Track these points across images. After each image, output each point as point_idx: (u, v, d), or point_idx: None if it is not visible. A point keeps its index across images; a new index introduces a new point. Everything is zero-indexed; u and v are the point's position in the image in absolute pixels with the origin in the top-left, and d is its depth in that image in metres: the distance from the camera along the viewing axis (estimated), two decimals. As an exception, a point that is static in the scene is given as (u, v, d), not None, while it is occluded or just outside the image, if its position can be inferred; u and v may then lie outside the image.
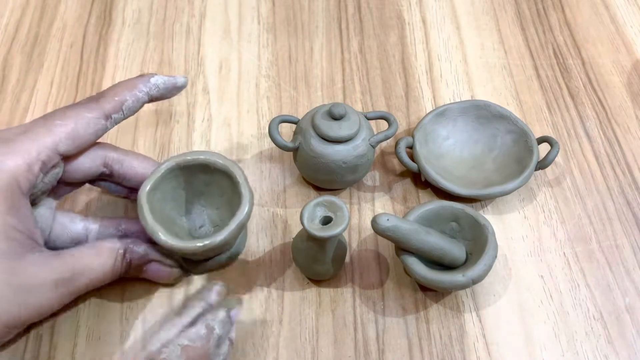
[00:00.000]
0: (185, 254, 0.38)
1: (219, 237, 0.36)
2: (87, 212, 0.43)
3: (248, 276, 0.41)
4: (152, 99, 0.39)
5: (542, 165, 0.44)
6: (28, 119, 0.48)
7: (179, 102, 0.50)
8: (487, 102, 0.47)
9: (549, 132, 0.50)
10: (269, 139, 0.43)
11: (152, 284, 0.40)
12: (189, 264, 0.41)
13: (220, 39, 0.55)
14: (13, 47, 0.53)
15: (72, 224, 0.38)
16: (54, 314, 0.39)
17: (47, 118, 0.35)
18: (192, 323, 0.34)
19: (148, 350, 0.32)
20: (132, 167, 0.38)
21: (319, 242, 0.37)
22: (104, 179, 0.39)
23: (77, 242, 0.38)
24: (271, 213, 0.44)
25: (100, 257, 0.35)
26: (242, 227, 0.37)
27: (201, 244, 0.36)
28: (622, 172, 0.47)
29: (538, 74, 0.54)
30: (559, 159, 0.48)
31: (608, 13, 0.58)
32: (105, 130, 0.37)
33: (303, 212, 0.36)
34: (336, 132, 0.41)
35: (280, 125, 0.43)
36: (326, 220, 0.37)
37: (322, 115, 0.41)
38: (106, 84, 0.51)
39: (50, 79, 0.51)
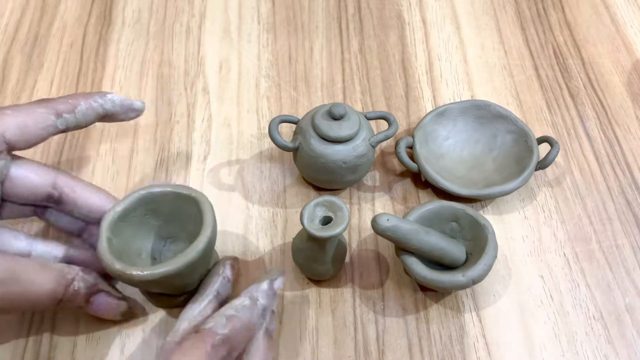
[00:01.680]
0: (132, 282, 0.34)
1: (160, 269, 0.33)
2: (33, 233, 0.41)
3: (248, 276, 0.41)
4: (106, 114, 0.38)
5: (542, 165, 0.44)
6: (28, 119, 0.48)
7: (179, 101, 0.50)
8: (487, 102, 0.47)
9: (549, 132, 0.50)
10: (269, 139, 0.43)
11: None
12: (154, 296, 0.39)
13: (220, 39, 0.55)
14: (13, 47, 0.53)
15: (16, 241, 0.36)
16: (54, 314, 0.39)
17: None
18: (216, 298, 0.35)
19: (183, 326, 0.33)
20: (84, 196, 0.36)
21: (319, 242, 0.37)
22: (50, 205, 0.37)
23: None
24: (271, 213, 0.44)
25: (44, 274, 0.33)
26: (196, 263, 0.34)
27: (138, 272, 0.33)
28: (622, 172, 0.47)
29: (538, 74, 0.54)
30: (559, 159, 0.48)
31: (608, 13, 0.58)
32: (55, 128, 0.36)
33: (303, 212, 0.36)
34: (336, 132, 0.41)
35: (280, 125, 0.43)
36: (326, 220, 0.37)
37: (322, 115, 0.41)
38: (106, 84, 0.51)
39: (50, 79, 0.51)
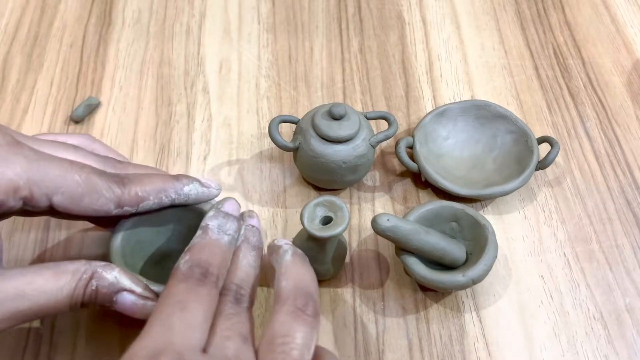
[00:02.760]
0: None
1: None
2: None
3: (248, 276, 0.41)
4: (173, 205, 0.35)
5: (542, 165, 0.44)
6: (28, 119, 0.49)
7: (179, 101, 0.50)
8: (487, 102, 0.47)
9: (549, 132, 0.50)
10: (269, 139, 0.43)
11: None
12: None
13: (220, 39, 0.55)
14: (13, 47, 0.53)
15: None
16: (54, 315, 0.39)
17: (71, 164, 0.31)
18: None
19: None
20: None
21: (319, 242, 0.37)
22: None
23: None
24: (271, 213, 0.44)
25: (57, 280, 0.30)
26: None
27: (157, 289, 0.32)
28: (623, 172, 0.47)
29: (538, 74, 0.54)
30: (559, 159, 0.48)
31: (608, 13, 0.58)
32: (108, 214, 0.32)
33: (303, 212, 0.36)
34: (336, 132, 0.41)
35: (280, 125, 0.43)
36: (326, 220, 0.37)
37: (322, 115, 0.41)
38: (106, 84, 0.51)
39: (50, 79, 0.51)
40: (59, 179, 0.30)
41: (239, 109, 0.50)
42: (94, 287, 0.31)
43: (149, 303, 0.32)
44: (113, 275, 0.31)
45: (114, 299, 0.31)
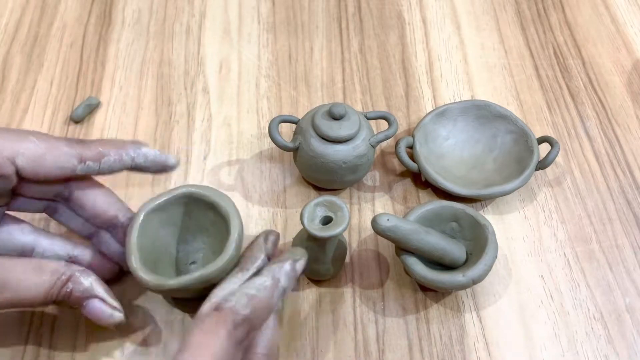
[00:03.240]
0: (159, 290, 0.35)
1: (196, 275, 0.34)
2: (41, 226, 0.41)
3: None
4: (135, 166, 0.36)
5: (542, 165, 0.44)
6: (28, 119, 0.49)
7: (179, 101, 0.50)
8: (487, 102, 0.47)
9: (549, 132, 0.50)
10: (269, 139, 0.43)
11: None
12: (178, 301, 0.39)
13: (220, 39, 0.55)
14: (13, 47, 0.53)
15: (21, 234, 0.35)
16: (54, 314, 0.39)
17: (26, 131, 0.34)
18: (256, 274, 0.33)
19: (212, 300, 0.31)
20: (92, 197, 0.36)
21: (319, 242, 0.37)
22: (58, 200, 0.36)
23: (22, 254, 0.35)
24: (271, 213, 0.44)
25: (37, 276, 0.32)
26: (227, 269, 0.35)
27: (172, 282, 0.34)
28: (623, 172, 0.47)
29: (538, 74, 0.54)
30: (559, 159, 0.48)
31: (608, 13, 0.58)
32: (73, 172, 0.34)
33: (303, 212, 0.36)
34: (336, 132, 0.41)
35: (280, 125, 0.43)
36: (326, 220, 0.37)
37: (322, 115, 0.41)
38: (106, 84, 0.51)
39: (50, 79, 0.51)
40: (17, 142, 0.32)
41: (239, 109, 0.50)
42: (69, 289, 0.33)
43: (117, 314, 0.34)
44: (89, 282, 0.33)
45: (84, 303, 0.33)
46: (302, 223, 0.35)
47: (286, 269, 0.33)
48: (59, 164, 0.33)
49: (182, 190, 0.38)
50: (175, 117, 0.49)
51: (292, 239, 0.41)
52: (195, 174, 0.46)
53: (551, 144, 0.45)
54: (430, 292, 0.41)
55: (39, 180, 0.34)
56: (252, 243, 0.36)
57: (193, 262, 0.40)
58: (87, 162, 0.34)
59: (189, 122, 0.49)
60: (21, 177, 0.33)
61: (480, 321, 0.40)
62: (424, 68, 0.53)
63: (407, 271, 0.39)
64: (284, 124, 0.47)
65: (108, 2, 0.57)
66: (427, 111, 0.49)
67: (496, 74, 0.53)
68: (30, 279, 0.32)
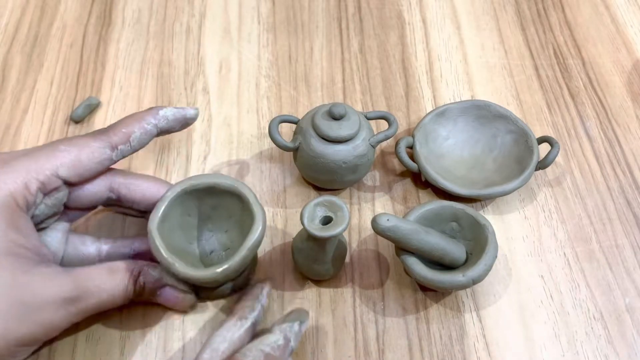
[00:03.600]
0: (203, 282, 0.36)
1: (236, 258, 0.35)
2: (100, 233, 0.42)
3: (248, 276, 0.41)
4: (161, 132, 0.39)
5: (542, 165, 0.44)
6: (28, 119, 0.49)
7: (179, 101, 0.50)
8: (487, 102, 0.47)
9: (549, 132, 0.50)
10: (269, 139, 0.43)
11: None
12: (200, 291, 0.39)
13: (220, 39, 0.55)
14: (13, 47, 0.53)
15: (84, 246, 0.38)
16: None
17: (53, 143, 0.35)
18: (253, 325, 0.35)
19: (220, 350, 0.32)
20: (139, 190, 0.37)
21: (319, 242, 0.37)
22: (112, 204, 0.39)
23: (89, 264, 0.37)
24: (271, 213, 0.44)
25: (112, 278, 0.34)
26: (258, 246, 0.36)
27: (220, 270, 0.35)
28: (623, 172, 0.47)
29: (538, 74, 0.54)
30: (559, 159, 0.48)
31: (608, 13, 0.58)
32: (111, 161, 0.36)
33: (303, 212, 0.36)
34: (336, 132, 0.41)
35: (280, 125, 0.43)
36: (326, 220, 0.37)
37: (322, 115, 0.41)
38: (106, 84, 0.51)
39: (50, 79, 0.51)
40: (51, 157, 0.34)
41: (239, 109, 0.50)
42: (142, 283, 0.36)
43: (188, 296, 0.38)
44: (157, 272, 0.36)
45: (159, 292, 0.37)
46: (302, 223, 0.35)
47: (295, 329, 0.35)
48: (95, 159, 0.35)
49: (204, 180, 0.38)
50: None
51: (292, 239, 0.41)
52: (195, 174, 0.46)
53: (551, 144, 0.45)
54: (430, 292, 0.41)
55: (85, 180, 0.36)
56: (247, 292, 0.37)
57: (212, 251, 0.40)
58: (119, 147, 0.36)
59: (189, 122, 0.49)
60: (70, 185, 0.35)
61: (480, 321, 0.40)
62: (424, 68, 0.53)
63: (407, 271, 0.39)
64: (284, 124, 0.47)
65: (108, 2, 0.57)
66: (427, 111, 0.49)
67: (496, 74, 0.53)
68: (108, 282, 0.34)
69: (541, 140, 0.45)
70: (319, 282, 0.41)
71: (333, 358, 0.38)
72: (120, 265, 0.35)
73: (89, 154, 0.35)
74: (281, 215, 0.44)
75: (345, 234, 0.43)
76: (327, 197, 0.37)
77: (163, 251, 0.35)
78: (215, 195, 0.39)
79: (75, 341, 0.38)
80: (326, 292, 0.41)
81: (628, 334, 0.40)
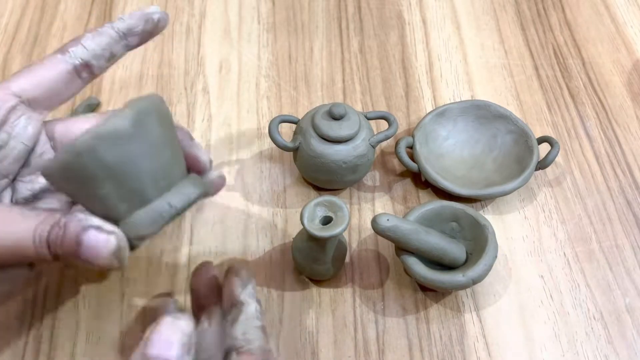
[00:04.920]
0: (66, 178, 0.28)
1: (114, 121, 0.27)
2: None
3: (248, 276, 0.41)
4: (124, 34, 0.34)
5: (542, 165, 0.44)
6: (28, 119, 0.48)
7: (179, 101, 0.50)
8: (487, 102, 0.47)
9: (549, 132, 0.50)
10: (269, 139, 0.43)
11: (152, 285, 0.40)
12: (135, 242, 0.30)
13: (220, 39, 0.55)
14: (13, 47, 0.53)
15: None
16: (54, 314, 0.39)
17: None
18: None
19: (227, 343, 0.31)
20: (77, 128, 0.34)
21: (319, 242, 0.37)
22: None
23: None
24: (271, 213, 0.44)
25: (26, 217, 0.28)
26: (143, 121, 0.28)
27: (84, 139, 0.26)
28: (623, 172, 0.47)
29: (538, 74, 0.54)
30: (559, 159, 0.48)
31: (608, 13, 0.58)
32: (65, 63, 0.32)
33: (303, 212, 0.36)
34: (336, 132, 0.41)
35: (280, 125, 0.43)
36: (326, 220, 0.37)
37: (322, 115, 0.41)
38: (105, 84, 0.51)
39: (50, 79, 0.51)
40: (9, 84, 0.31)
41: (239, 109, 0.50)
42: (61, 224, 0.28)
43: (112, 238, 0.28)
44: (83, 214, 0.28)
45: (81, 238, 0.27)
46: (302, 223, 0.35)
47: (251, 289, 0.33)
48: (46, 66, 0.32)
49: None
50: (175, 117, 0.49)
51: (292, 239, 0.41)
52: (195, 174, 0.46)
53: (551, 144, 0.45)
54: (430, 292, 0.41)
55: (52, 99, 0.33)
56: (226, 285, 0.34)
57: None
58: (70, 50, 0.33)
59: (189, 122, 0.49)
60: (36, 105, 0.32)
61: (480, 321, 0.40)
62: (424, 68, 0.53)
63: (407, 271, 0.39)
64: (284, 124, 0.47)
65: (108, 2, 0.57)
66: (427, 111, 0.49)
67: (496, 74, 0.53)
68: (18, 218, 0.28)
69: (541, 140, 0.45)
70: (319, 282, 0.41)
71: (333, 358, 0.38)
72: (38, 211, 0.29)
73: (40, 63, 0.32)
74: (281, 215, 0.44)
75: (345, 234, 0.43)
76: (327, 197, 0.37)
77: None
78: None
79: (75, 341, 0.38)
80: (326, 292, 0.41)
81: (628, 334, 0.40)
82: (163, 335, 0.26)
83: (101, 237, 0.27)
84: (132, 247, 0.29)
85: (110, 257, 0.28)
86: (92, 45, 0.33)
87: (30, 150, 0.33)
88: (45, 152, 0.33)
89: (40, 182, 0.33)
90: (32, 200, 0.33)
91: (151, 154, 0.28)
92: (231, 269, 0.34)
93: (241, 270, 0.34)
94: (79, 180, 0.28)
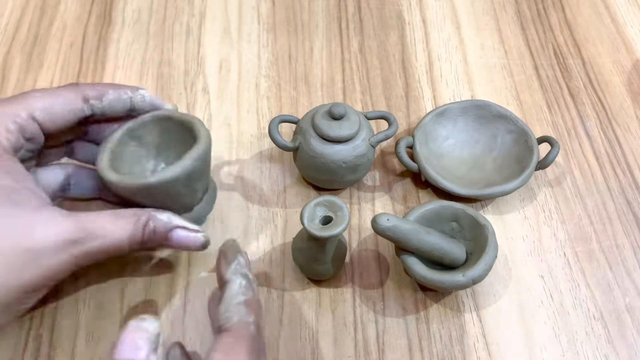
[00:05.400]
0: (135, 192, 0.35)
1: (174, 169, 0.35)
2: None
3: (248, 276, 0.41)
4: (134, 109, 0.39)
5: (542, 165, 0.44)
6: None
7: (179, 101, 0.50)
8: (487, 102, 0.47)
9: (549, 132, 0.50)
10: (269, 139, 0.43)
11: (152, 285, 0.40)
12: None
13: (220, 39, 0.55)
14: (13, 47, 0.53)
15: (52, 175, 0.38)
16: (54, 314, 0.39)
17: (25, 92, 0.35)
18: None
19: (214, 326, 0.32)
20: (111, 104, 0.38)
21: (319, 242, 0.37)
22: (84, 123, 0.38)
23: (63, 191, 0.39)
24: (271, 213, 0.44)
25: (118, 221, 0.34)
26: (202, 158, 0.36)
27: (154, 179, 0.34)
28: (623, 172, 0.47)
29: (538, 74, 0.54)
30: (559, 158, 0.48)
31: (608, 13, 0.58)
32: (82, 112, 0.36)
33: (303, 212, 0.36)
34: (336, 132, 0.41)
35: (280, 125, 0.43)
36: (326, 220, 0.37)
37: (322, 115, 0.41)
38: (106, 84, 0.51)
39: (50, 79, 0.51)
40: (26, 102, 0.35)
41: (239, 109, 0.50)
42: (152, 227, 0.35)
43: (199, 235, 0.37)
44: (166, 216, 0.36)
45: (169, 235, 0.36)
46: (302, 223, 0.35)
47: (242, 262, 0.34)
48: (67, 107, 0.35)
49: (158, 113, 0.39)
50: (175, 117, 0.49)
51: (292, 239, 0.41)
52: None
53: (551, 144, 0.45)
54: (430, 292, 0.41)
55: (58, 128, 0.36)
56: (216, 268, 0.35)
57: None
58: (91, 101, 0.36)
59: (189, 122, 0.49)
60: (44, 131, 0.35)
61: (480, 321, 0.40)
62: (424, 68, 0.53)
63: (407, 271, 0.39)
64: (284, 124, 0.47)
65: (108, 2, 0.57)
66: (427, 111, 0.49)
67: (496, 74, 0.53)
68: (113, 224, 0.34)
69: (541, 140, 0.45)
70: (319, 282, 0.41)
71: (333, 358, 0.38)
72: (127, 211, 0.35)
73: (62, 100, 0.35)
74: (281, 215, 0.44)
75: (345, 234, 0.43)
76: (327, 197, 0.37)
77: (104, 156, 0.37)
78: (166, 129, 0.39)
79: (75, 341, 0.38)
80: (326, 292, 0.41)
81: (628, 334, 0.40)
82: (128, 338, 0.28)
83: (190, 235, 0.36)
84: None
85: (200, 249, 0.37)
86: (107, 106, 0.37)
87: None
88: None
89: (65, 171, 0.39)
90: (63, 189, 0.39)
91: (201, 173, 0.37)
92: (220, 251, 0.35)
93: (226, 250, 0.35)
94: (146, 195, 0.36)
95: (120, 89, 0.38)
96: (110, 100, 0.37)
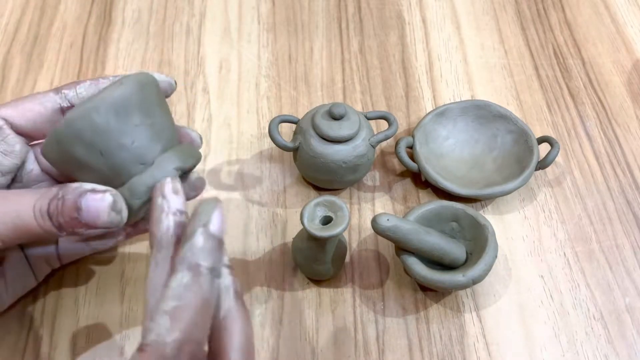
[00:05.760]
0: (60, 154, 0.30)
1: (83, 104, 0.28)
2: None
3: (248, 276, 0.41)
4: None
5: (542, 165, 0.44)
6: (28, 119, 0.48)
7: (179, 101, 0.50)
8: (487, 102, 0.47)
9: (549, 132, 0.50)
10: (269, 139, 0.43)
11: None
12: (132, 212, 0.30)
13: (220, 39, 0.55)
14: (13, 47, 0.53)
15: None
16: (54, 314, 0.39)
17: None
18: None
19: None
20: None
21: (319, 242, 0.37)
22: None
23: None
24: (271, 213, 0.44)
25: (27, 193, 0.30)
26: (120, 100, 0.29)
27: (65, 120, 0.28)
28: (623, 172, 0.47)
29: (538, 74, 0.54)
30: (559, 159, 0.48)
31: (608, 13, 0.58)
32: (55, 103, 0.34)
33: (303, 212, 0.36)
34: (336, 132, 0.41)
35: (280, 125, 0.43)
36: (326, 220, 0.37)
37: (322, 115, 0.41)
38: (106, 84, 0.51)
39: (50, 79, 0.51)
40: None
41: (239, 109, 0.50)
42: (59, 195, 0.29)
43: (107, 194, 0.28)
44: (78, 184, 0.29)
45: (79, 203, 0.28)
46: (302, 223, 0.35)
47: (198, 244, 0.26)
48: (37, 99, 0.33)
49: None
50: (175, 117, 0.49)
51: (292, 239, 0.41)
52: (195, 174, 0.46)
53: (551, 144, 0.45)
54: (430, 292, 0.41)
55: (30, 122, 0.33)
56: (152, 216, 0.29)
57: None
58: (63, 91, 0.34)
59: (189, 122, 0.49)
60: (16, 128, 0.33)
61: (480, 321, 0.40)
62: (424, 68, 0.53)
63: (407, 271, 0.39)
64: (284, 124, 0.47)
65: (108, 2, 0.57)
66: (427, 111, 0.49)
67: (496, 74, 0.53)
68: (20, 194, 0.30)
69: (541, 140, 0.45)
70: (319, 282, 0.41)
71: (333, 358, 0.38)
72: (42, 186, 0.32)
73: (30, 97, 0.34)
74: (281, 215, 0.44)
75: (345, 234, 0.43)
76: (327, 197, 0.37)
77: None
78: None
79: (75, 341, 0.38)
80: (326, 292, 0.41)
81: (628, 334, 0.40)
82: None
83: (97, 197, 0.28)
84: (132, 210, 0.30)
85: (109, 213, 0.28)
86: (85, 93, 0.34)
87: (20, 167, 0.35)
88: (34, 170, 0.35)
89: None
90: None
91: (146, 122, 0.30)
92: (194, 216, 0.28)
93: (197, 212, 0.28)
94: (78, 148, 0.29)
95: (99, 79, 0.35)
96: (87, 87, 0.35)
